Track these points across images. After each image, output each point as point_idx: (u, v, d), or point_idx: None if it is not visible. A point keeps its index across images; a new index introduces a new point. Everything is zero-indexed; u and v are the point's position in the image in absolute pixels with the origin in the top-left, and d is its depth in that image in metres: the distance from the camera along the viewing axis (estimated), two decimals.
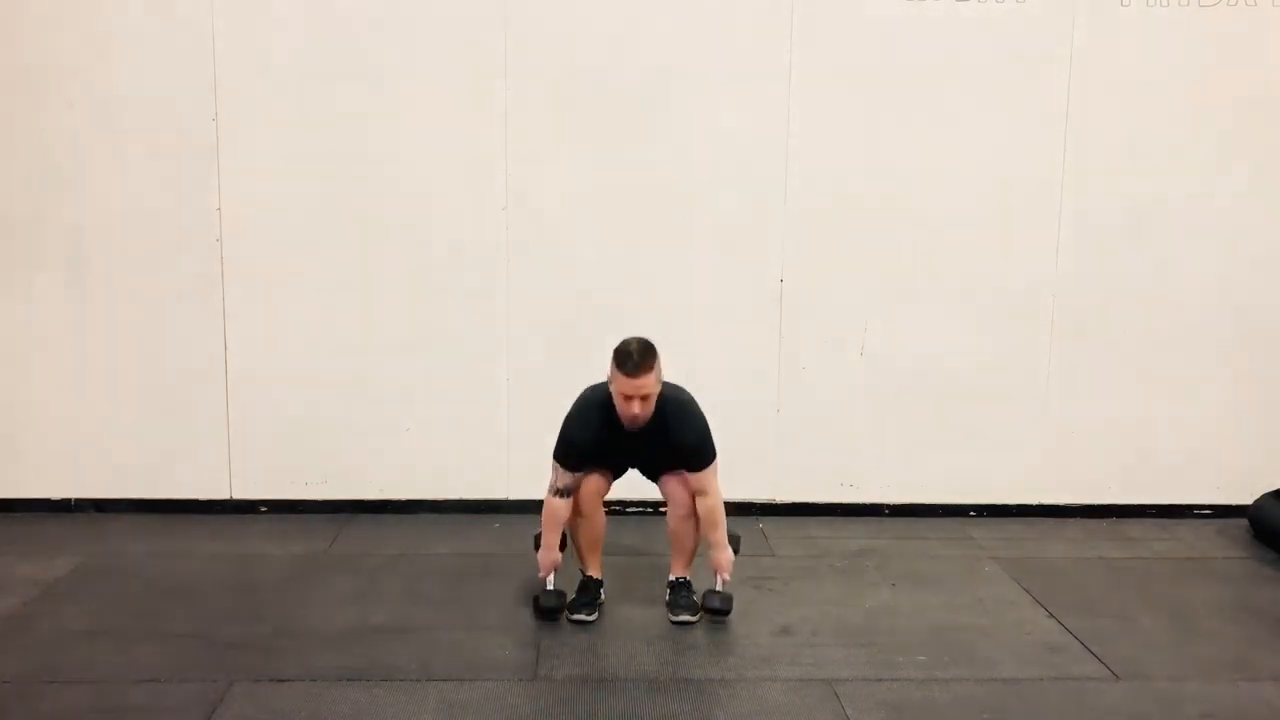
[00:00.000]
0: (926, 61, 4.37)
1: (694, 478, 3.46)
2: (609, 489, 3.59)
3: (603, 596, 3.62)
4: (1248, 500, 4.50)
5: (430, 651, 3.30)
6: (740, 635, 3.46)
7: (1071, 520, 4.59)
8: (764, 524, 4.48)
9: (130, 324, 4.40)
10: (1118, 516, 4.62)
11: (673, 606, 3.57)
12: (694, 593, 3.61)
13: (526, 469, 4.49)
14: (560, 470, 3.48)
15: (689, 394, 3.52)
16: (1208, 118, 4.45)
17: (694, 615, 3.55)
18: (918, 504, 4.61)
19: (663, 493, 3.59)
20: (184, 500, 4.50)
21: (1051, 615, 3.65)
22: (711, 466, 3.48)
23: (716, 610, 3.51)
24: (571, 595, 3.58)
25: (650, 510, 4.46)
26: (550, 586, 3.53)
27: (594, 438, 3.44)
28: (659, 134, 4.35)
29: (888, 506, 4.62)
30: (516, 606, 3.64)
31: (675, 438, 3.43)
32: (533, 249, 4.40)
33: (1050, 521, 4.58)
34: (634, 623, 3.53)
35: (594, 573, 3.63)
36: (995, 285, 4.50)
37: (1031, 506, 4.63)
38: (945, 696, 3.08)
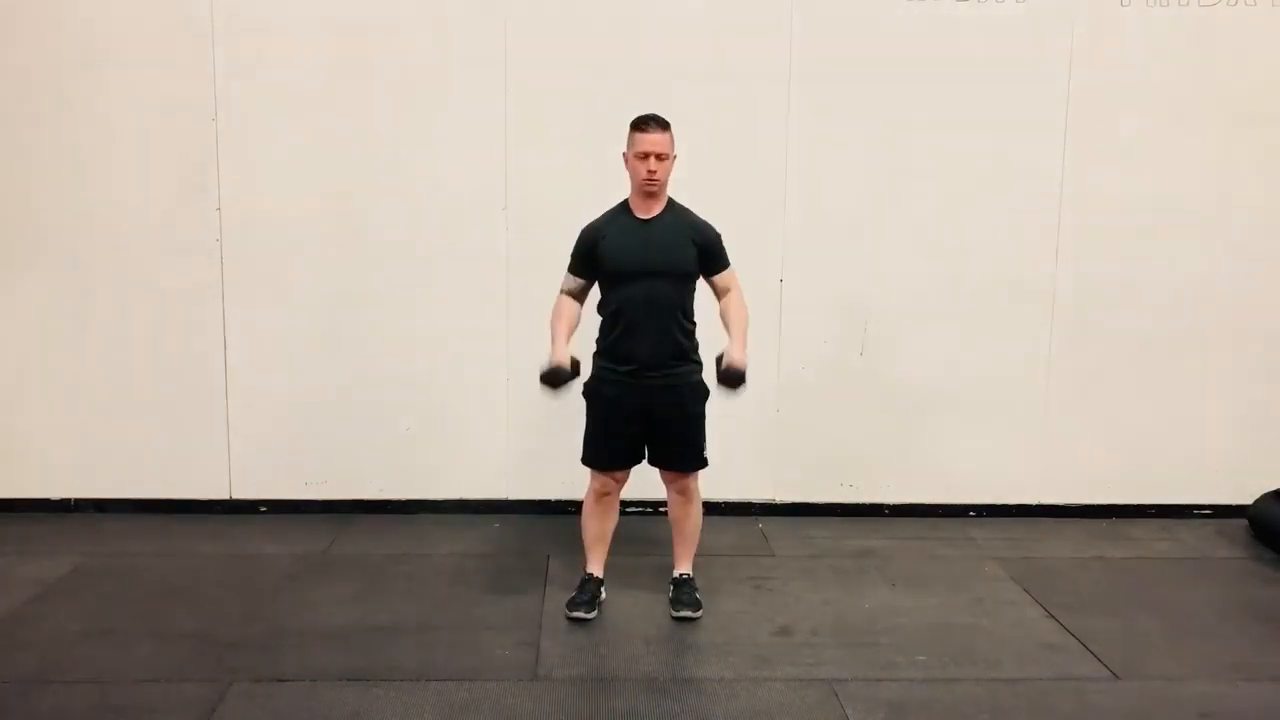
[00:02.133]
0: (927, 61, 4.37)
1: (717, 278, 3.52)
2: (626, 479, 3.60)
3: (603, 596, 3.62)
4: (1248, 500, 4.51)
5: (430, 651, 3.30)
6: (740, 635, 3.46)
7: (1071, 520, 4.59)
8: (764, 524, 4.49)
9: (130, 324, 4.40)
10: (1118, 516, 4.63)
11: (675, 602, 3.59)
12: (696, 589, 3.62)
13: (526, 469, 4.50)
14: (570, 277, 3.52)
15: None
16: (1208, 118, 4.45)
17: (695, 611, 3.56)
18: (918, 504, 4.61)
19: (664, 482, 3.61)
20: (184, 500, 4.51)
21: (1051, 615, 3.65)
22: (731, 267, 3.54)
23: (731, 380, 3.40)
24: (572, 593, 3.60)
25: (650, 510, 4.46)
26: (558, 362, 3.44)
27: (609, 223, 3.47)
28: None
29: (888, 506, 4.62)
30: (516, 606, 3.64)
31: (690, 221, 3.48)
32: (533, 249, 4.40)
33: (1050, 521, 4.58)
34: (634, 623, 3.53)
35: (595, 571, 3.65)
36: (995, 285, 4.50)
37: (1031, 506, 4.63)
38: (945, 696, 3.08)
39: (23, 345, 4.42)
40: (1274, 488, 4.48)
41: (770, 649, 3.37)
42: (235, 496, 4.52)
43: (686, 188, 4.37)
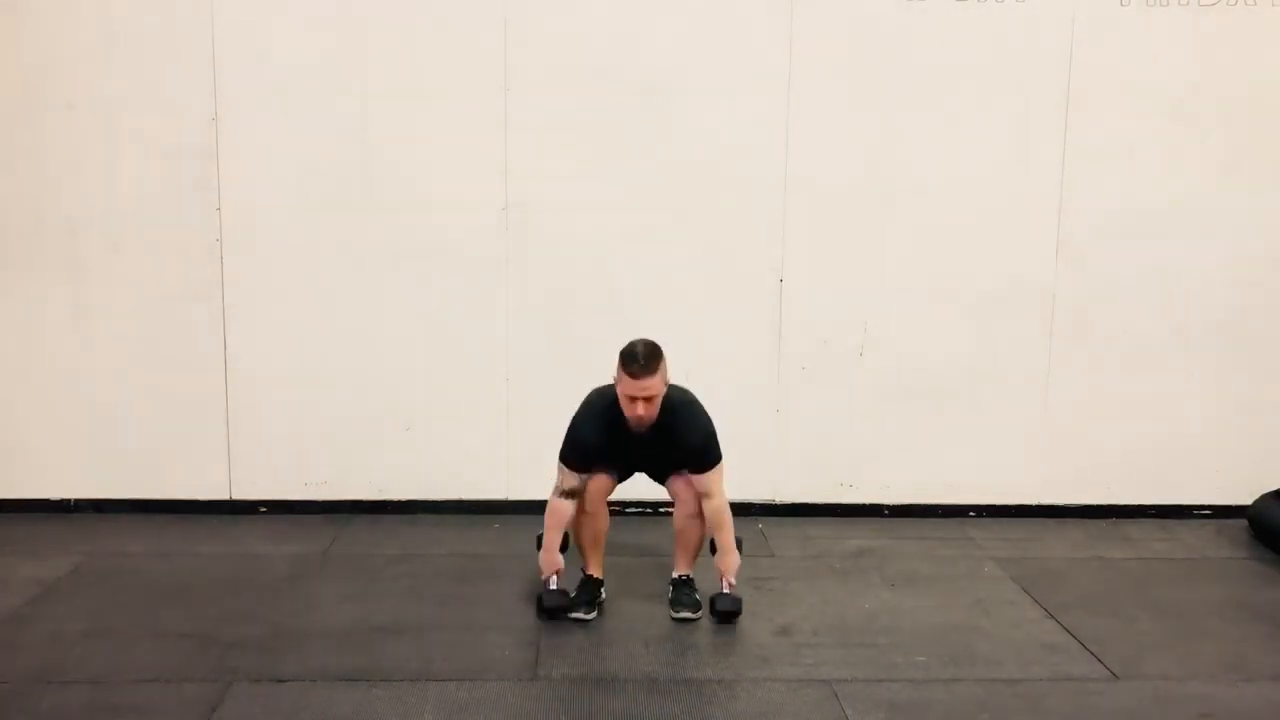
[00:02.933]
0: (926, 61, 4.37)
1: (699, 479, 3.47)
2: (614, 489, 3.59)
3: (603, 595, 3.62)
4: (1248, 500, 4.50)
5: (430, 651, 3.30)
6: (740, 635, 3.46)
7: (1071, 520, 4.59)
8: (764, 524, 4.48)
9: (130, 324, 4.40)
10: (1118, 516, 4.62)
11: (674, 603, 3.58)
12: (696, 590, 3.62)
13: (526, 469, 4.49)
14: (566, 472, 3.49)
15: (694, 396, 3.54)
16: (1207, 118, 4.45)
17: (695, 612, 3.55)
18: (918, 504, 4.61)
19: (670, 492, 3.60)
20: (184, 500, 4.50)
21: (1051, 615, 3.65)
22: (717, 469, 3.49)
23: (727, 613, 3.51)
24: (572, 593, 3.58)
25: (650, 510, 4.46)
26: (553, 587, 3.53)
27: (601, 440, 3.45)
28: (659, 134, 4.35)
29: (888, 506, 4.62)
30: (516, 606, 3.64)
31: (681, 439, 3.44)
32: (532, 249, 4.40)
33: (1050, 521, 4.58)
34: (634, 623, 3.53)
35: (595, 572, 3.63)
36: (995, 285, 4.50)
37: (1031, 506, 4.63)
38: (945, 696, 3.08)
39: (23, 345, 4.42)
40: (1274, 488, 4.48)
41: (770, 649, 3.36)
42: (235, 496, 4.52)
43: (686, 187, 4.40)
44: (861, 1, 4.34)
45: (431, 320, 4.43)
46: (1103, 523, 4.59)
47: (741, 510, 4.53)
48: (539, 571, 3.56)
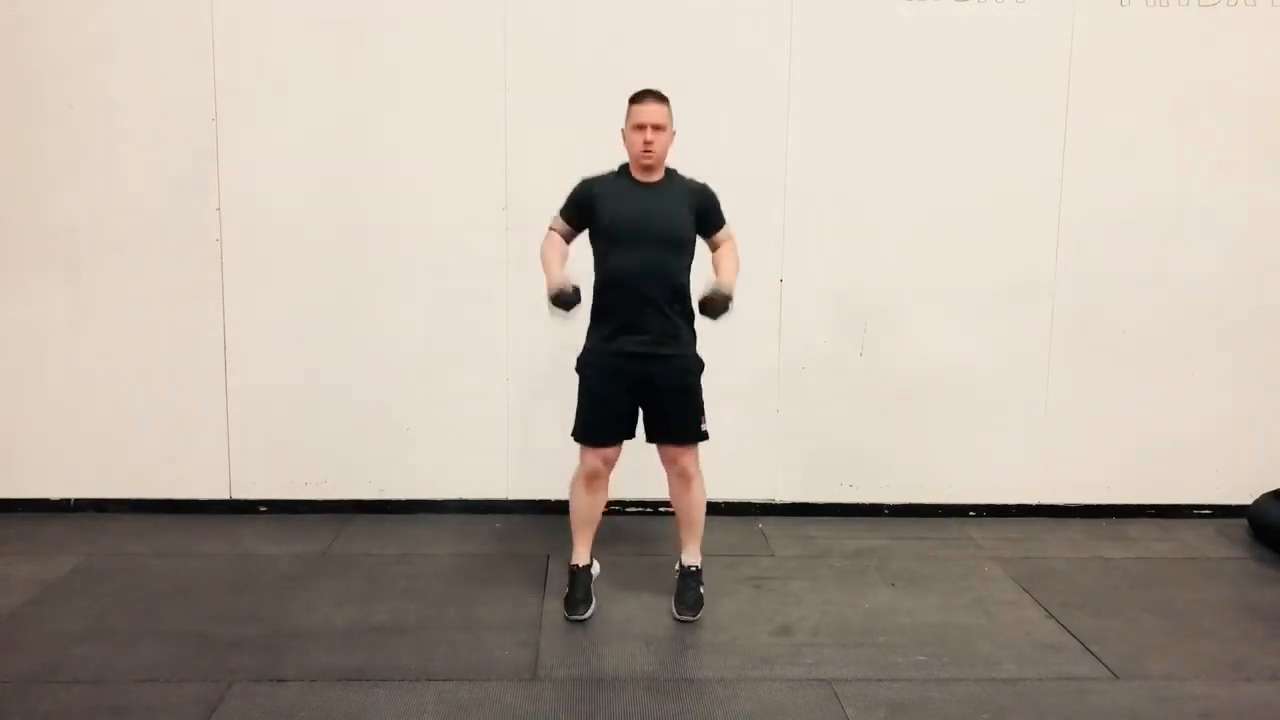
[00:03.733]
0: (926, 61, 4.37)
1: (714, 236, 3.57)
2: (617, 457, 3.54)
3: (596, 570, 3.63)
4: (1248, 500, 4.51)
5: (430, 651, 3.30)
6: (740, 635, 3.46)
7: (1071, 520, 4.60)
8: (764, 524, 4.49)
9: (130, 324, 4.40)
10: (1117, 516, 4.63)
11: (678, 602, 3.57)
12: (702, 584, 3.62)
13: (526, 469, 4.50)
14: (558, 218, 3.55)
15: None
16: (1207, 117, 4.45)
17: (696, 614, 3.55)
18: (918, 504, 4.62)
19: (662, 463, 3.57)
20: (184, 500, 4.51)
21: (1051, 615, 3.65)
22: (727, 225, 3.59)
23: (714, 307, 3.40)
24: (565, 593, 3.60)
25: (650, 510, 4.47)
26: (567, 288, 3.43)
27: (607, 181, 3.50)
28: None
29: (888, 506, 4.62)
30: (516, 606, 3.64)
31: (694, 194, 3.50)
32: (533, 249, 4.37)
33: (1050, 521, 4.58)
34: (634, 623, 3.53)
35: (582, 560, 3.63)
36: (995, 285, 4.50)
37: (1031, 506, 4.63)
38: (945, 696, 3.08)
39: (23, 345, 4.42)
40: (1274, 488, 4.49)
41: (770, 649, 3.37)
42: (235, 496, 4.53)
43: None
44: (862, 1, 4.34)
45: (432, 320, 4.43)
46: (1103, 523, 4.59)
47: (741, 510, 4.55)
48: (553, 293, 3.43)
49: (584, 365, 3.52)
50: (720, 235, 3.59)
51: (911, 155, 4.42)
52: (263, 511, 4.52)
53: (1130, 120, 4.43)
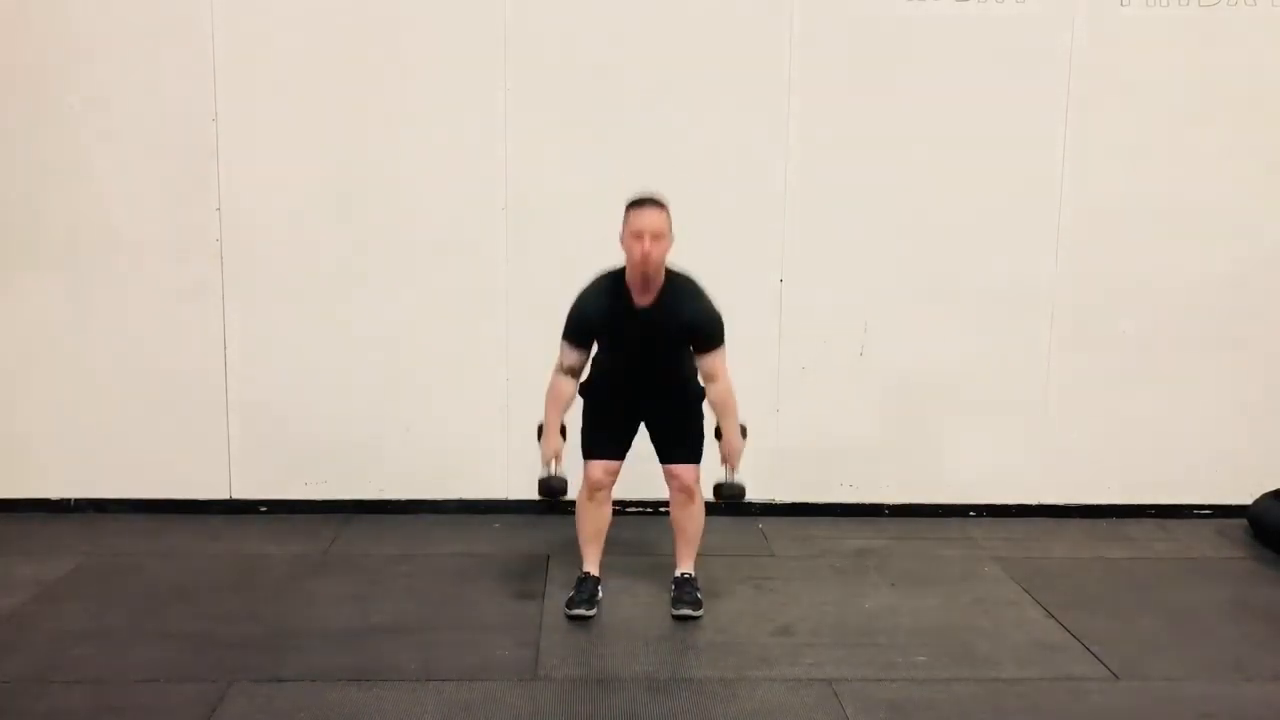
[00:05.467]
0: (926, 61, 4.37)
1: (705, 360, 3.49)
2: (619, 470, 3.58)
3: (600, 594, 3.62)
4: (1248, 500, 4.50)
5: (430, 651, 3.30)
6: (740, 635, 3.46)
7: (1071, 520, 4.59)
8: (764, 524, 4.48)
9: (130, 324, 4.40)
10: (1118, 516, 4.62)
11: (675, 601, 3.58)
12: (698, 588, 3.62)
13: (526, 469, 4.48)
14: (567, 348, 3.51)
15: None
16: (1208, 117, 4.45)
17: (696, 610, 3.55)
18: (918, 504, 4.61)
19: (666, 480, 3.61)
20: (184, 500, 4.50)
21: (1051, 615, 3.65)
22: (721, 350, 3.50)
23: (731, 497, 3.53)
24: (570, 592, 3.60)
25: (650, 510, 4.46)
26: (555, 472, 3.51)
27: (604, 310, 3.46)
28: (659, 133, 4.35)
29: (888, 506, 4.62)
30: (516, 606, 3.64)
31: (686, 313, 3.45)
32: (533, 249, 4.40)
33: (1050, 521, 4.58)
34: (634, 623, 3.53)
35: (592, 570, 3.65)
36: (995, 285, 4.50)
37: (1031, 506, 4.63)
38: (945, 696, 3.08)
39: (22, 345, 4.42)
40: (1274, 488, 4.48)
41: (770, 649, 3.36)
42: (235, 496, 4.52)
43: (686, 188, 4.39)
44: (862, 2, 4.34)
45: (432, 320, 4.43)
46: (1103, 523, 4.59)
47: (741, 510, 4.54)
48: (542, 459, 3.54)
49: (588, 390, 3.59)
50: (707, 362, 3.48)
51: (911, 155, 4.41)
52: (263, 511, 4.52)
53: (1130, 120, 4.42)
